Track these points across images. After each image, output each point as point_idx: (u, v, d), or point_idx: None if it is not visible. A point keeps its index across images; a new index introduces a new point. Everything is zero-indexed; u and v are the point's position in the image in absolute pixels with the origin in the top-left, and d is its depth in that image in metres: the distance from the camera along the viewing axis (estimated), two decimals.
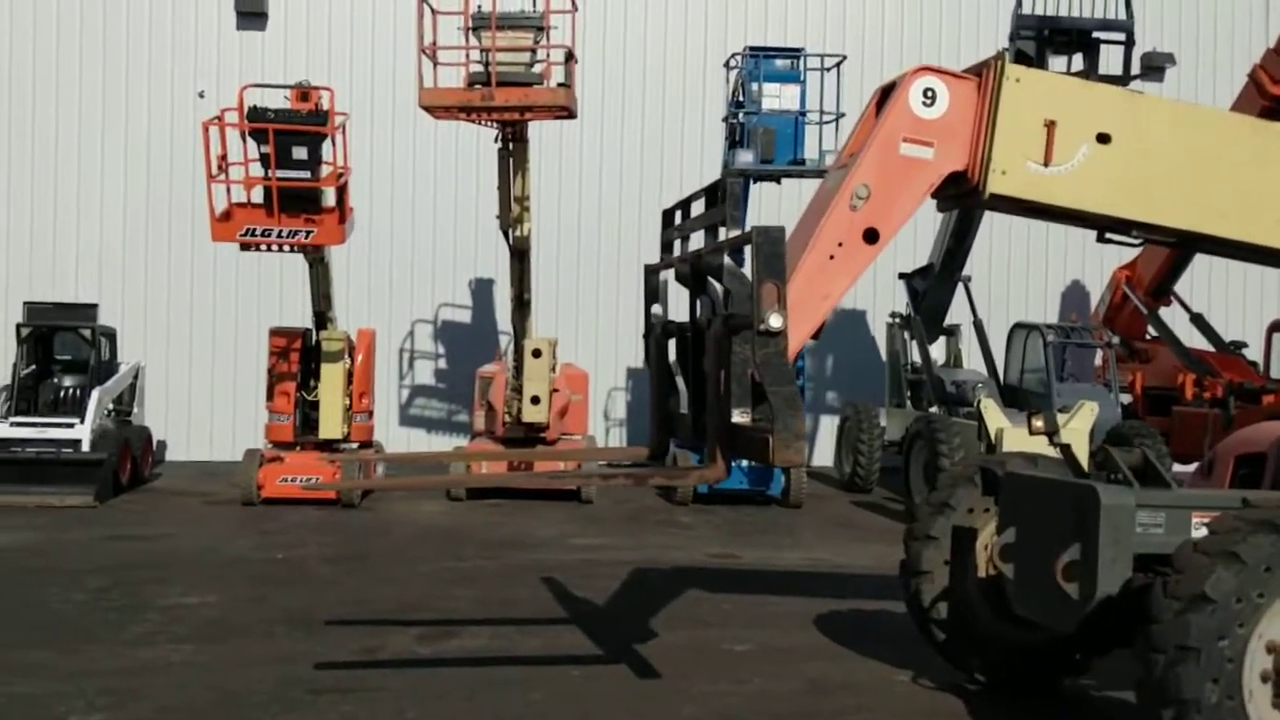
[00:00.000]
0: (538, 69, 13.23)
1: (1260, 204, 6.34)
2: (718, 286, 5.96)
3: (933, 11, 19.71)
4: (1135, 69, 14.41)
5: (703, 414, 5.89)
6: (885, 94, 6.24)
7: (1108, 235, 6.93)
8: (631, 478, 6.63)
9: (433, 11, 13.12)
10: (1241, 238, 6.41)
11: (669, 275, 6.77)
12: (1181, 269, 17.31)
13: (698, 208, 6.54)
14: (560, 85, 13.29)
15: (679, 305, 6.65)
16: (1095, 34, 14.07)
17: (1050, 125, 5.99)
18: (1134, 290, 17.42)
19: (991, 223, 18.33)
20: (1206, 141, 6.35)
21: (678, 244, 6.85)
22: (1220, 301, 19.79)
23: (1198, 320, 17.33)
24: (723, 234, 6.06)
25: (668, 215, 6.78)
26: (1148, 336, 17.74)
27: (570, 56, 13.34)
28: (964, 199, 6.34)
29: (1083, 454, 11.00)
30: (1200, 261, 18.16)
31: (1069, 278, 20.27)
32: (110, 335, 15.47)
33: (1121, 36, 14.06)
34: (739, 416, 5.44)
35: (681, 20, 19.20)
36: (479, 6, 13.00)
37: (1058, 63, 13.73)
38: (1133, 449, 6.34)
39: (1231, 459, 6.78)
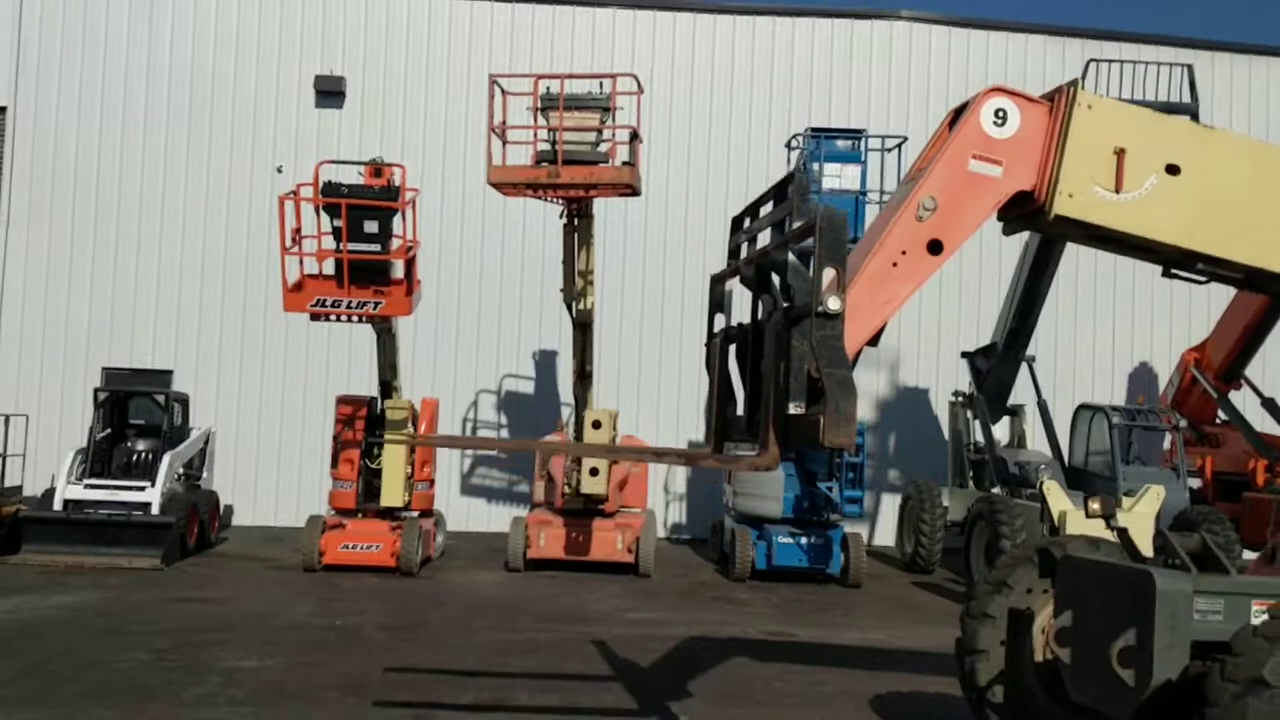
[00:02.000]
0: (603, 148, 13.52)
1: None
2: (778, 287, 6.03)
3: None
4: None
5: (758, 410, 5.90)
6: (958, 114, 6.32)
7: (1174, 271, 6.87)
8: (684, 457, 6.64)
9: (503, 92, 13.50)
10: None
11: (733, 286, 6.80)
12: (1252, 351, 17.01)
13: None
14: (625, 164, 13.57)
15: (743, 316, 6.67)
16: None
17: (1120, 153, 6.06)
18: (1203, 373, 17.14)
19: (1058, 303, 18.30)
20: (1277, 179, 6.34)
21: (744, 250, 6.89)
22: None
23: (1269, 404, 16.94)
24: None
25: (736, 221, 6.89)
26: (1218, 420, 17.38)
27: (635, 136, 13.63)
28: (1029, 220, 6.33)
29: (1148, 538, 10.90)
30: (1272, 345, 17.89)
31: (1136, 359, 20.01)
32: (183, 401, 15.89)
33: (1186, 119, 14.00)
34: (795, 409, 5.47)
35: (746, 100, 19.53)
36: (548, 88, 13.38)
37: None
38: (1192, 534, 6.24)
39: None
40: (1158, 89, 14.19)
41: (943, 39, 19.81)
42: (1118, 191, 6.07)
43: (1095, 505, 6.61)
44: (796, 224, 5.81)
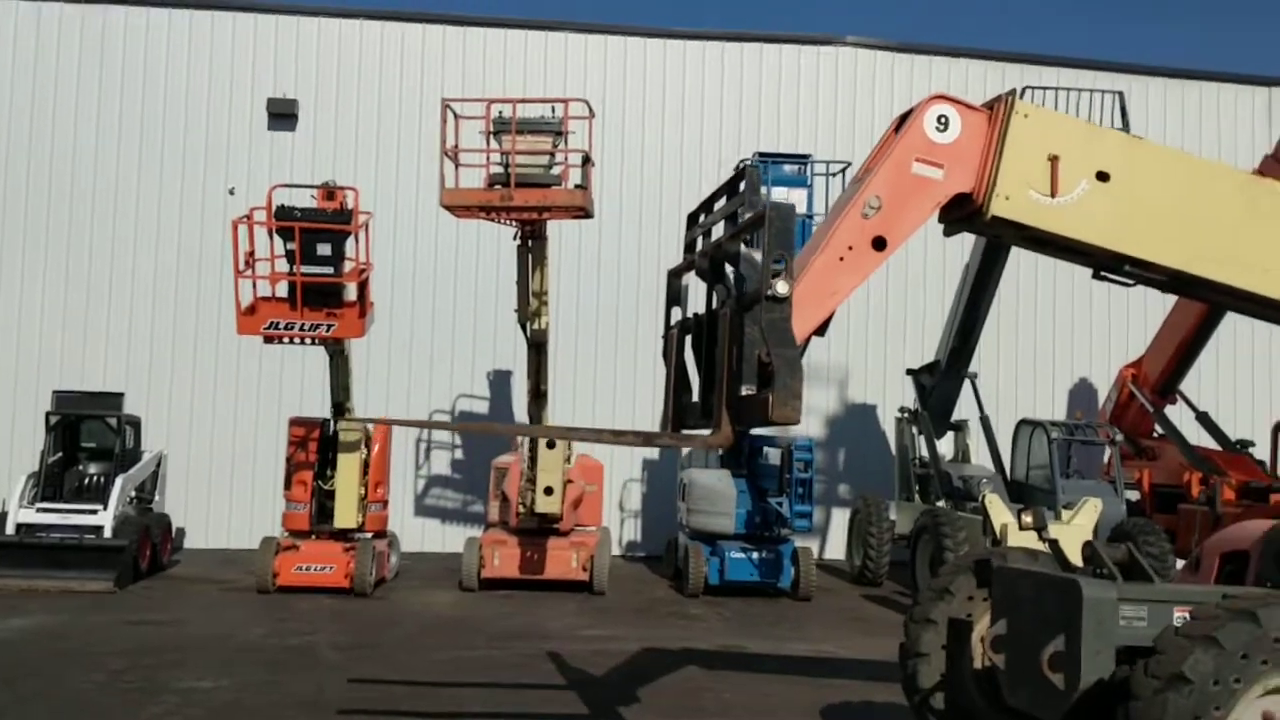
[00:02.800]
0: (556, 171, 13.75)
1: (1250, 252, 6.66)
2: (731, 277, 6.32)
3: None
4: None
5: (711, 393, 6.18)
6: (903, 120, 6.65)
7: (1103, 274, 7.22)
8: (642, 436, 6.92)
9: (455, 116, 13.70)
10: (1230, 282, 6.69)
11: (689, 280, 7.08)
12: (1186, 367, 17.56)
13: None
14: (577, 186, 13.80)
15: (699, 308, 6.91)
16: None
17: (1054, 160, 6.40)
18: (1140, 388, 17.65)
19: (999, 321, 18.77)
20: (1201, 189, 6.69)
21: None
22: (1228, 400, 20.02)
23: (1203, 418, 17.53)
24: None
25: (692, 216, 7.17)
26: (1155, 434, 17.89)
27: (587, 160, 13.85)
28: (968, 221, 6.66)
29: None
30: (1206, 360, 18.49)
31: (1076, 375, 20.52)
32: (135, 424, 15.87)
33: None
34: (746, 390, 5.77)
35: (696, 124, 19.85)
36: (500, 112, 13.58)
37: None
38: (1119, 545, 6.55)
39: (1217, 556, 6.98)
40: (1090, 114, 14.64)
41: (886, 64, 20.28)
42: (1052, 196, 6.43)
43: (1027, 518, 6.89)
44: (747, 216, 6.17)
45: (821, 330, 6.46)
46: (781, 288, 5.48)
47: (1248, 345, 20.36)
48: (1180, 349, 17.24)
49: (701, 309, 6.62)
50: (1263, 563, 6.53)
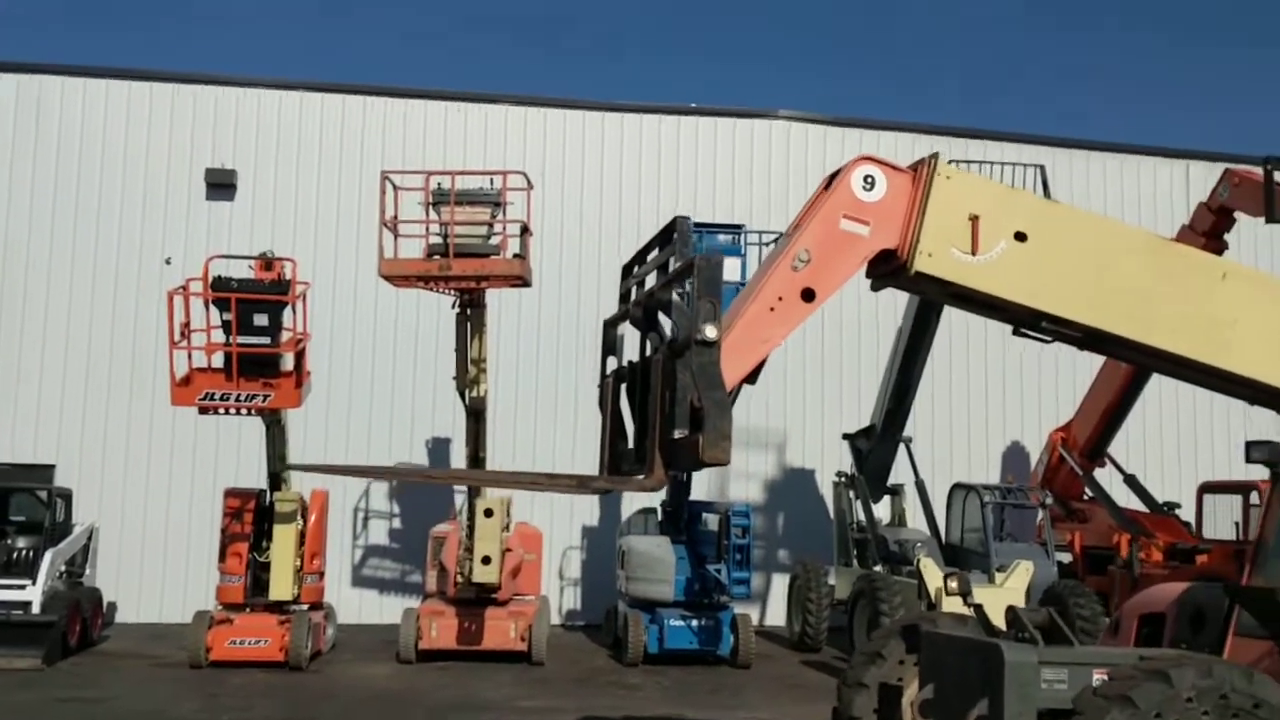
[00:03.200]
0: (494, 241, 13.92)
1: (1158, 311, 6.92)
2: (666, 325, 6.48)
3: None
4: None
5: (645, 439, 6.30)
6: (832, 179, 6.90)
7: (1022, 330, 7.50)
8: (576, 479, 7.00)
9: (395, 188, 13.84)
10: (1140, 339, 6.97)
11: (624, 329, 7.25)
12: (1114, 431, 17.98)
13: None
14: (515, 256, 14.00)
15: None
16: None
17: (974, 219, 6.67)
18: (1070, 451, 18.03)
19: (933, 385, 19.14)
20: (1113, 250, 6.98)
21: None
22: (1155, 463, 20.49)
23: (1131, 481, 17.93)
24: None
25: (626, 268, 7.34)
26: (1085, 497, 18.25)
27: (525, 230, 14.07)
28: (893, 276, 6.90)
29: None
30: (1134, 424, 18.95)
31: (1009, 438, 20.91)
32: (66, 496, 15.61)
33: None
34: (678, 434, 5.90)
35: (635, 194, 20.14)
36: (439, 184, 13.76)
37: None
38: (1039, 609, 6.73)
39: (1135, 619, 7.17)
40: (1013, 186, 15.13)
41: (818, 136, 20.79)
42: (972, 254, 6.68)
43: (953, 583, 7.07)
44: (678, 265, 6.37)
45: (753, 378, 6.66)
46: (710, 332, 5.68)
47: (1173, 409, 20.92)
48: (1107, 413, 17.67)
49: (636, 358, 6.80)
50: (1178, 625, 6.74)
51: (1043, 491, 16.84)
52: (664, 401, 6.06)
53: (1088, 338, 7.21)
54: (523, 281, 13.98)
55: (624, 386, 6.96)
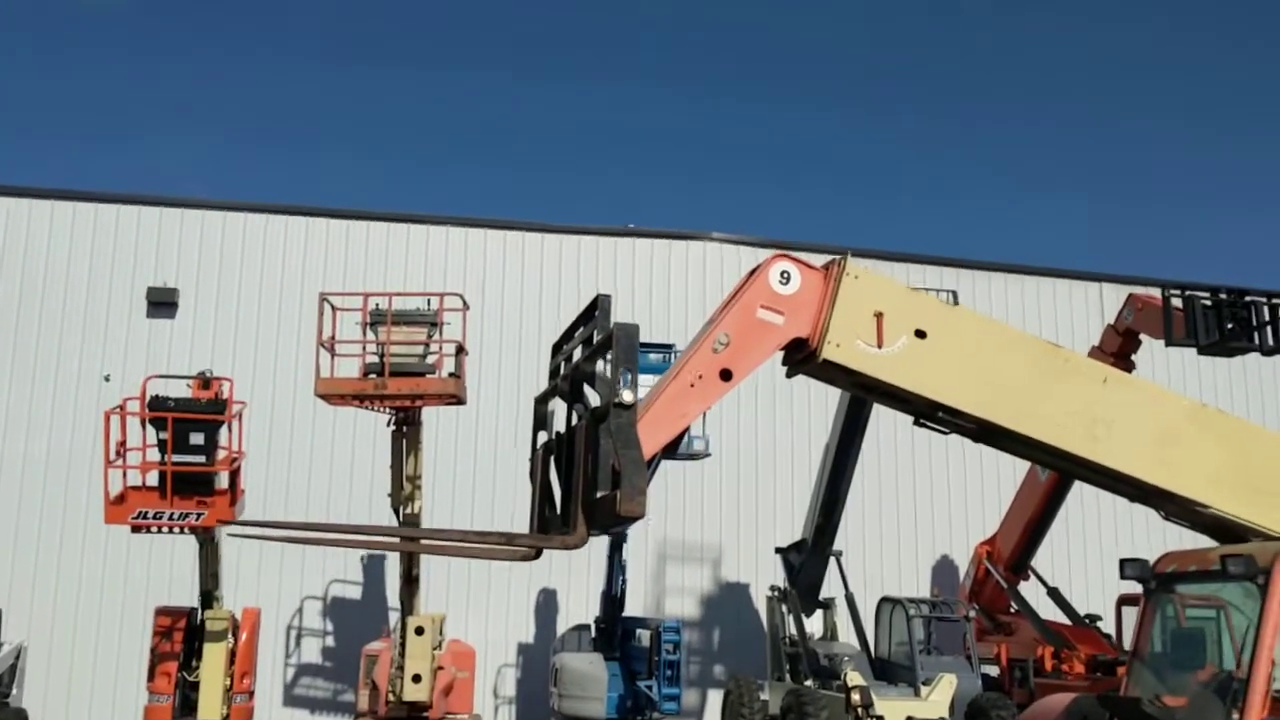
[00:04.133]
0: (430, 360, 14.26)
1: (1042, 408, 7.53)
2: (591, 397, 6.86)
3: None
4: None
5: (569, 501, 6.63)
6: (752, 274, 7.55)
7: (922, 421, 7.98)
8: (504, 536, 7.34)
9: (333, 309, 14.20)
10: (1026, 432, 7.52)
11: (554, 406, 7.60)
12: (1036, 544, 18.45)
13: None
14: (451, 375, 14.33)
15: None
16: None
17: (879, 316, 7.35)
18: (995, 565, 18.45)
19: (863, 499, 19.60)
20: (1004, 351, 7.64)
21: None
22: (1080, 575, 20.99)
23: (1054, 594, 18.35)
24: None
25: (555, 346, 7.74)
26: (1011, 610, 18.61)
27: (461, 349, 14.44)
28: (804, 363, 7.48)
29: None
30: (1058, 537, 19.48)
31: (939, 552, 21.34)
32: None
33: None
34: (600, 494, 6.25)
35: (571, 314, 20.54)
36: (376, 305, 14.14)
37: None
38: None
39: None
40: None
41: (749, 257, 21.53)
42: (877, 347, 7.27)
43: (856, 697, 7.40)
44: (599, 337, 6.81)
45: (671, 450, 7.15)
46: (627, 396, 6.19)
47: (1095, 522, 21.52)
48: (1029, 526, 18.15)
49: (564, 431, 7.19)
50: None
51: (967, 605, 17.17)
52: (587, 464, 6.54)
53: (981, 430, 7.75)
54: (457, 400, 14.30)
55: (552, 458, 7.38)
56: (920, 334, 7.41)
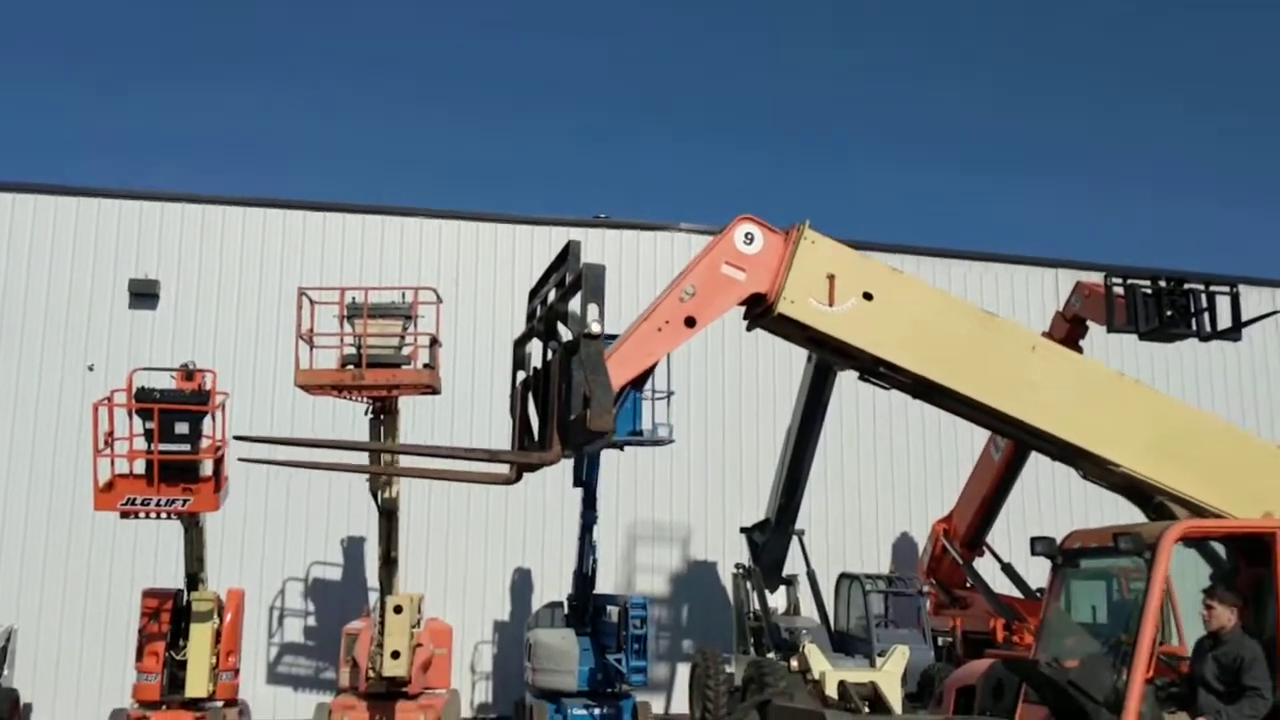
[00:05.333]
0: (406, 351, 14.85)
1: (975, 368, 8.31)
2: (565, 336, 7.58)
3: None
4: None
5: (545, 426, 7.43)
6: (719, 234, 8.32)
7: (865, 376, 8.78)
8: (487, 452, 8.10)
9: (311, 303, 14.76)
10: (959, 389, 8.33)
11: (530, 348, 8.38)
12: (991, 521, 19.20)
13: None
14: (425, 366, 14.92)
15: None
16: None
17: (831, 278, 8.07)
18: (951, 542, 19.21)
19: (826, 479, 20.32)
20: (943, 315, 8.44)
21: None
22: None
23: (1008, 569, 19.11)
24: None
25: (532, 292, 8.45)
26: (966, 584, 19.39)
27: (434, 341, 15.02)
28: (762, 317, 8.24)
29: (895, 692, 12.51)
30: (1014, 514, 20.24)
31: (898, 529, 22.13)
32: None
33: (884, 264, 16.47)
34: (573, 416, 7.07)
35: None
36: (353, 299, 14.71)
37: None
38: (866, 684, 7.79)
39: (953, 691, 8.24)
40: None
41: None
42: (828, 305, 8.06)
43: (795, 663, 8.10)
44: (570, 279, 7.55)
45: (639, 384, 7.87)
46: (595, 327, 6.97)
47: (1050, 503, 22.30)
48: (983, 505, 18.88)
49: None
50: (983, 695, 7.80)
51: (922, 581, 17.94)
52: (560, 391, 7.31)
53: (918, 386, 8.53)
54: (432, 390, 14.90)
55: (530, 393, 8.11)
56: (868, 296, 8.18)
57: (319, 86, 57.60)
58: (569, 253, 7.74)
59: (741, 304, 8.27)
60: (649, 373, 8.00)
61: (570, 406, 7.16)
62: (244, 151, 55.19)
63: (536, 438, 7.85)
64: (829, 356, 8.95)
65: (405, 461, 12.72)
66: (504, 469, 8.12)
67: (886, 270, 8.58)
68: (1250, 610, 7.54)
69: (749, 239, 8.08)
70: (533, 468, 7.89)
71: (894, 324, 8.20)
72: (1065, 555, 8.03)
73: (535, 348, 8.48)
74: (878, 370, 8.56)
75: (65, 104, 53.82)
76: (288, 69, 58.67)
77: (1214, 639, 7.53)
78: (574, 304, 7.46)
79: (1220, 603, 7.48)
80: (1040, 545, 7.94)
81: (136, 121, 54.63)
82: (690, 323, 7.85)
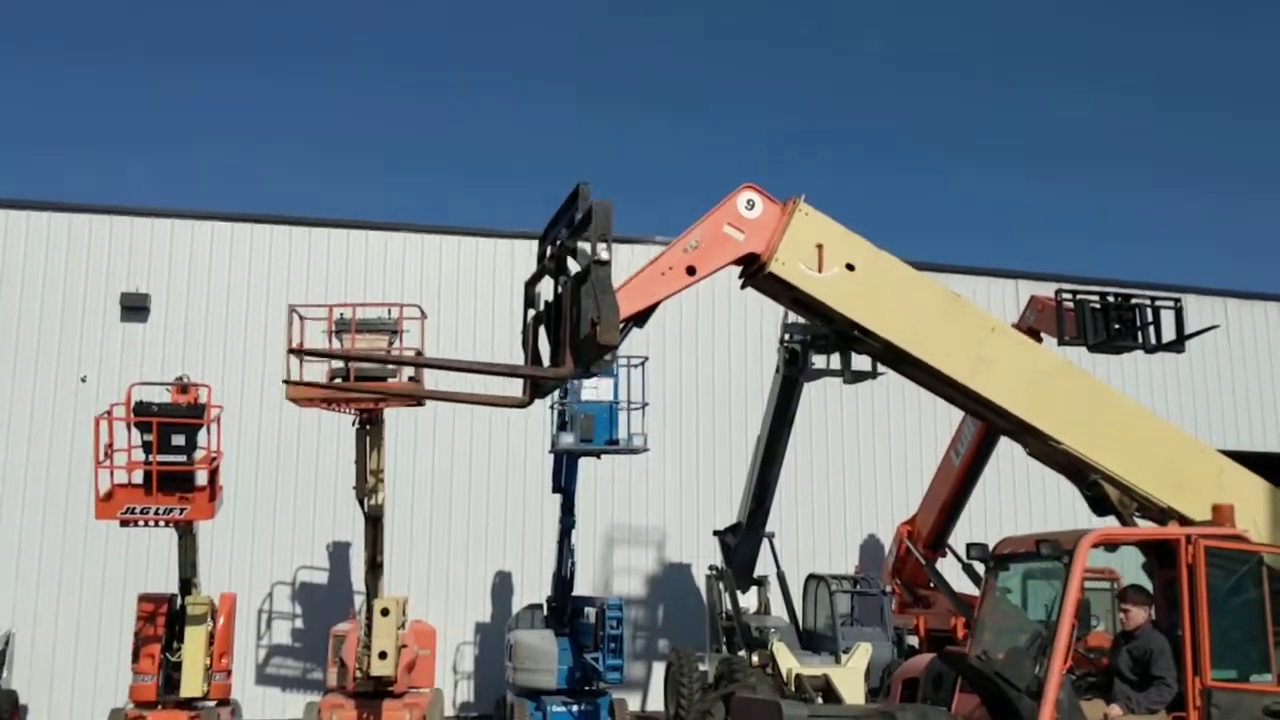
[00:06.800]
0: (391, 365, 15.51)
1: (940, 342, 9.27)
2: (573, 268, 8.42)
3: (722, 324, 23.07)
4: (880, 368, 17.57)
5: (558, 345, 8.29)
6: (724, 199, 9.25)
7: (842, 340, 9.84)
8: (508, 367, 8.96)
9: (300, 318, 15.41)
10: (923, 358, 9.29)
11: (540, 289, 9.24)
12: (952, 523, 20.00)
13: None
14: (410, 379, 15.58)
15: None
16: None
17: (819, 247, 9.05)
18: (914, 543, 20.01)
19: (796, 484, 21.10)
20: (915, 291, 9.44)
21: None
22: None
23: (968, 570, 19.87)
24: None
25: (542, 237, 9.20)
26: (930, 584, 20.20)
27: (419, 355, 15.69)
28: (754, 276, 9.14)
29: (858, 687, 13.29)
30: (976, 516, 21.11)
31: (865, 531, 22.96)
32: None
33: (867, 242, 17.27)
34: (584, 335, 7.87)
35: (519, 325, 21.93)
36: (341, 314, 15.35)
37: (819, 359, 16.69)
38: (820, 676, 8.56)
39: (900, 683, 9.02)
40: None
41: None
42: (816, 271, 9.00)
43: (755, 659, 8.86)
44: (579, 216, 8.29)
45: (641, 321, 8.70)
46: (604, 254, 7.75)
47: (1010, 505, 23.21)
48: (945, 507, 19.67)
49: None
50: (925, 686, 8.58)
51: (885, 581, 18.74)
52: (571, 315, 8.07)
53: (886, 353, 9.42)
54: (417, 402, 15.55)
55: (541, 327, 8.89)
56: (850, 267, 9.13)
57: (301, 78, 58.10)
58: (579, 194, 8.46)
59: (736, 263, 9.19)
60: (649, 312, 8.80)
61: (579, 327, 7.91)
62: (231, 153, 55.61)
63: (549, 361, 8.67)
64: (810, 318, 9.94)
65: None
66: (518, 393, 9.09)
67: (869, 246, 9.54)
68: (1163, 608, 8.36)
69: (750, 205, 9.01)
70: (546, 390, 8.87)
71: (871, 293, 9.17)
72: (996, 559, 8.85)
73: (544, 289, 9.21)
74: (852, 334, 9.48)
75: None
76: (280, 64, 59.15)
77: (1128, 635, 8.36)
78: (582, 243, 8.23)
79: (1133, 604, 8.35)
80: (974, 550, 8.75)
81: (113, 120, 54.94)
82: (691, 271, 8.75)
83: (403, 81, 60.38)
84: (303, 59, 59.82)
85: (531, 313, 9.24)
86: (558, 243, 8.74)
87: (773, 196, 9.08)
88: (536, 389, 8.90)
